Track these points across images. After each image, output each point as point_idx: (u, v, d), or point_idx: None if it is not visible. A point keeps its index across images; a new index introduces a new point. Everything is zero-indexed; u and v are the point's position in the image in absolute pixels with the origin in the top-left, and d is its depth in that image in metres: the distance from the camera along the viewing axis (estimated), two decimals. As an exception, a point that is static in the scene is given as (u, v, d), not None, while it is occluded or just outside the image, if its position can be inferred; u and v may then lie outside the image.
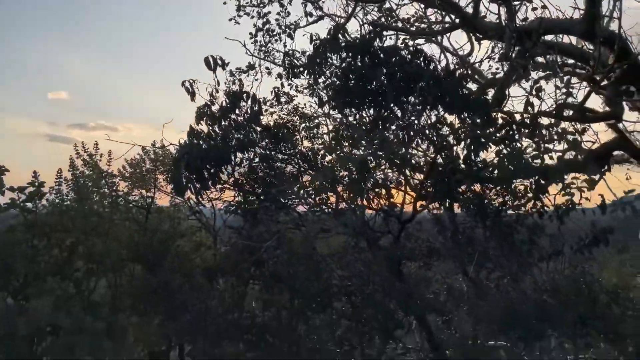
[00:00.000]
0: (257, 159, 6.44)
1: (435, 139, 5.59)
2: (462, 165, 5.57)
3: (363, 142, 5.58)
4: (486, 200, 6.17)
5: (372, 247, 5.82)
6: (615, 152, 8.32)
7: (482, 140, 5.09)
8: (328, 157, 5.35)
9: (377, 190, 6.24)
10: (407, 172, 6.11)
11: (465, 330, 6.01)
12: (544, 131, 4.48)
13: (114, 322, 4.98)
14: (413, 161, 5.98)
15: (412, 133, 5.77)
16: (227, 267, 4.69)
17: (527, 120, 4.85)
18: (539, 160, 5.30)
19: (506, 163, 5.50)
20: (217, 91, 5.91)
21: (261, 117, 6.39)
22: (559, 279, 4.76)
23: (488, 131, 4.62)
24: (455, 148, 5.31)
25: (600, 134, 8.09)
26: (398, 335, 5.38)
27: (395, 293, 5.16)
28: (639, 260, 9.04)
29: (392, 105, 5.64)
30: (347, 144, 5.16)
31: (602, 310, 4.51)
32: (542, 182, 5.90)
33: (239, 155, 6.26)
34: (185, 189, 5.14)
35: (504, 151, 5.25)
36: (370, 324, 5.10)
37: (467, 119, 5.35)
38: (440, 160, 5.70)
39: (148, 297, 5.02)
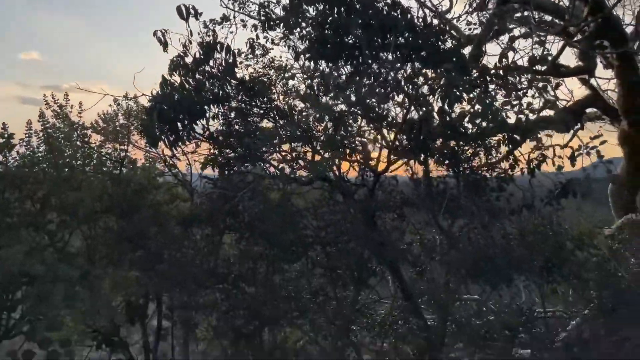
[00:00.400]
0: (233, 114, 6.41)
1: (410, 91, 5.59)
2: (437, 118, 5.62)
3: (339, 94, 5.56)
4: (460, 155, 6.27)
5: (347, 200, 5.89)
6: (589, 110, 8.50)
7: (457, 92, 5.12)
8: (301, 105, 5.33)
9: (352, 144, 6.28)
10: (383, 127, 6.14)
11: (438, 281, 6.18)
12: (516, 80, 4.51)
13: (89, 272, 5.00)
14: (389, 117, 6.01)
15: (388, 87, 5.77)
16: (203, 216, 4.71)
17: (501, 72, 4.89)
18: (512, 113, 5.38)
19: (480, 116, 5.57)
20: (190, 42, 5.80)
21: (236, 70, 6.32)
22: (527, 227, 4.89)
23: (463, 82, 4.63)
24: (430, 99, 5.33)
25: (574, 91, 8.19)
26: (372, 284, 5.51)
27: (369, 243, 5.26)
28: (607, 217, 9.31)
29: (368, 58, 5.61)
30: (322, 95, 5.13)
31: (567, 256, 4.67)
32: (516, 137, 6.00)
33: (214, 108, 6.22)
34: (159, 140, 5.09)
35: (477, 106, 5.31)
36: (344, 273, 5.21)
37: (443, 72, 5.35)
38: (415, 113, 5.74)
39: (122, 246, 5.03)
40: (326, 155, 5.66)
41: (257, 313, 5.01)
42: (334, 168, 6.17)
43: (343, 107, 5.89)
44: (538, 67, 6.58)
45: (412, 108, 5.70)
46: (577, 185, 5.11)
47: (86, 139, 6.12)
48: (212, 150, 6.22)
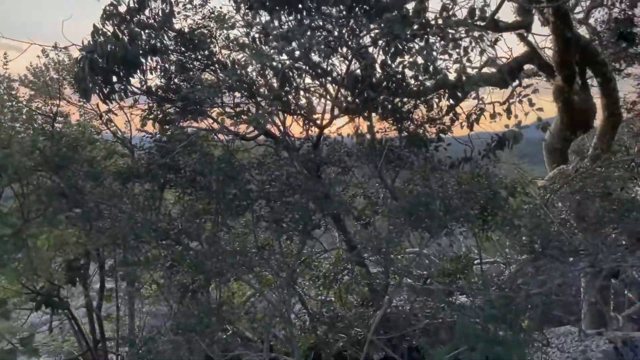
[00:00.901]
0: (172, 67, 6.20)
1: (353, 45, 5.56)
2: (379, 72, 5.64)
3: (281, 45, 5.46)
4: (403, 110, 6.37)
5: (292, 154, 5.89)
6: (527, 66, 8.77)
7: (399, 43, 5.14)
8: (241, 55, 5.21)
9: (297, 99, 6.25)
10: (328, 82, 6.12)
11: (381, 233, 6.35)
12: (455, 32, 4.56)
13: (21, 230, 4.81)
14: (334, 72, 5.99)
15: (332, 41, 5.72)
16: (141, 171, 4.59)
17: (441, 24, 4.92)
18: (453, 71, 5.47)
19: (422, 70, 5.64)
20: (124, -11, 5.52)
21: (174, 21, 6.08)
22: (464, 177, 5.07)
23: (404, 32, 4.64)
24: (372, 51, 5.33)
25: (513, 49, 8.38)
26: (316, 236, 5.60)
27: (314, 196, 5.30)
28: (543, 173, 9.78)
29: (311, 10, 5.52)
30: (263, 46, 5.02)
31: (501, 204, 4.89)
32: (457, 92, 6.13)
33: (152, 61, 6.00)
34: (91, 92, 4.87)
35: (420, 60, 5.35)
36: (289, 226, 5.25)
37: (385, 22, 5.34)
38: (358, 69, 5.74)
39: (57, 203, 4.85)
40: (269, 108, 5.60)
41: (202, 268, 4.99)
42: (278, 123, 6.14)
43: (288, 61, 5.83)
44: (479, 23, 6.69)
45: (355, 62, 5.70)
46: (511, 136, 5.31)
47: (13, 92, 5.76)
48: (151, 106, 6.03)
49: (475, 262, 5.97)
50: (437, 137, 5.51)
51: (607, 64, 7.20)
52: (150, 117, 5.62)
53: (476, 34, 4.33)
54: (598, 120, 8.03)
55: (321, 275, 5.45)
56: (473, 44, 4.50)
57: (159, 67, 6.05)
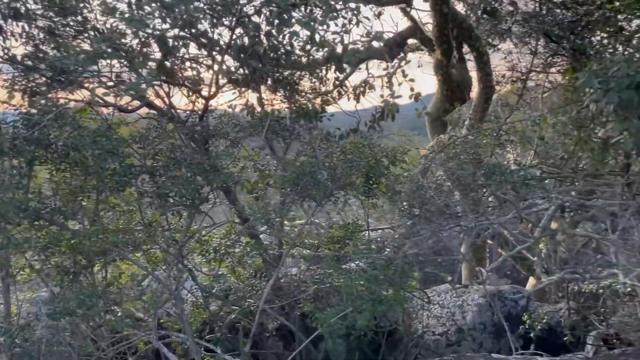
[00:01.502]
0: (40, 34, 5.70)
1: (237, 13, 5.45)
2: (265, 42, 5.60)
3: (162, 12, 5.21)
4: (292, 82, 6.41)
5: (178, 127, 5.71)
6: (410, 41, 9.16)
7: (282, 14, 5.12)
8: (120, 25, 4.91)
9: (183, 70, 6.04)
10: (215, 52, 5.97)
11: (273, 204, 6.41)
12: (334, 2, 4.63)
13: None
14: (221, 42, 5.85)
15: (217, 9, 5.57)
16: (6, 146, 4.21)
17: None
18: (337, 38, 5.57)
19: (309, 42, 5.69)
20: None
21: (40, -19, 5.57)
22: (348, 147, 5.23)
23: (284, 1, 4.62)
24: (257, 20, 5.27)
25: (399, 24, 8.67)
26: (205, 211, 5.52)
27: (201, 169, 5.20)
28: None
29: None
30: (139, 12, 4.76)
31: (382, 171, 5.12)
32: (343, 65, 6.27)
33: (17, 27, 5.48)
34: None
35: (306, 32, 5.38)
36: (176, 201, 5.11)
37: None
38: (244, 39, 5.66)
39: None
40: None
41: (81, 249, 4.73)
42: (163, 95, 5.91)
43: (173, 31, 5.60)
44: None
45: (242, 32, 5.61)
46: (391, 107, 5.57)
47: None
48: (16, 76, 5.52)
49: (362, 228, 6.24)
50: (321, 108, 5.62)
51: (480, 39, 7.73)
52: (15, 88, 5.15)
53: (352, 5, 4.42)
54: (474, 92, 8.65)
55: (211, 249, 5.40)
56: (351, 16, 4.59)
57: (24, 33, 5.54)
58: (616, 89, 3.68)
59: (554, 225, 5.77)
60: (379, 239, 6.04)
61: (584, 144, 4.68)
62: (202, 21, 5.60)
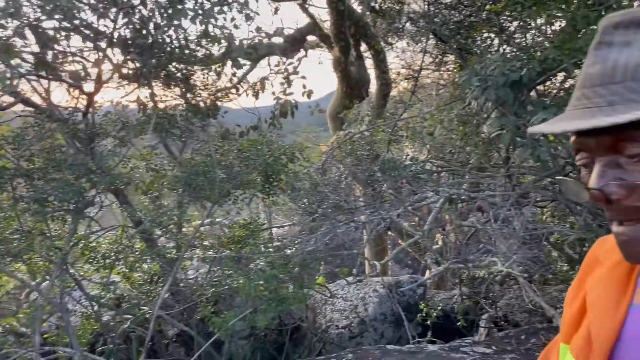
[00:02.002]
0: None
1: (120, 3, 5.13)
2: (153, 35, 5.34)
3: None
4: (188, 79, 6.17)
5: (60, 126, 5.28)
6: (310, 38, 9.20)
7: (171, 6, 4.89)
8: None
9: (65, 64, 5.59)
10: (100, 45, 5.59)
11: (169, 205, 6.15)
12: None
13: None
14: (107, 34, 5.48)
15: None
16: None
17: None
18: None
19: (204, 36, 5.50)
20: None
21: None
22: (244, 144, 5.13)
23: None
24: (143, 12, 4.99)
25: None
26: (92, 215, 5.16)
27: (85, 170, 4.84)
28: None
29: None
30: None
31: (281, 168, 5.07)
32: (240, 61, 6.14)
33: None
34: None
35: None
36: (57, 206, 4.72)
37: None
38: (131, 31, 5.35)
39: None
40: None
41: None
42: (41, 90, 5.45)
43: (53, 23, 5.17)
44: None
45: (127, 24, 5.30)
46: (284, 104, 5.54)
47: None
48: None
49: (264, 227, 6.16)
50: (213, 106, 5.46)
51: (376, 37, 7.92)
52: None
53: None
54: (373, 89, 8.87)
55: (99, 256, 5.05)
56: (241, 9, 4.48)
57: None
58: (493, 87, 3.90)
59: (446, 216, 6.06)
60: (279, 237, 5.99)
61: (468, 139, 4.94)
62: (86, 12, 5.24)
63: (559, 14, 4.01)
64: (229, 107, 6.32)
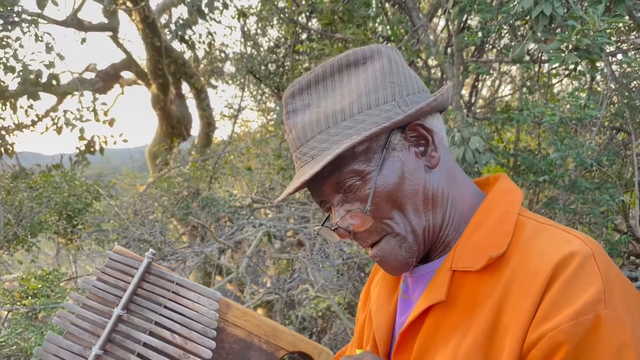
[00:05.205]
0: None
1: None
2: None
3: None
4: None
5: None
6: (127, 74, 8.76)
7: None
8: None
9: None
10: None
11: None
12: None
13: None
14: None
15: None
16: None
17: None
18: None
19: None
20: None
21: None
22: (37, 181, 4.55)
23: None
24: None
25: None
26: None
27: None
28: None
29: None
30: None
31: (84, 208, 4.59)
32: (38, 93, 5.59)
33: None
34: None
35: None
36: None
37: None
38: None
39: None
40: None
41: None
42: None
43: None
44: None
45: None
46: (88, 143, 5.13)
47: None
48: None
49: (66, 275, 5.46)
50: (3, 142, 4.82)
51: (196, 75, 7.83)
52: None
53: (29, 17, 3.90)
54: (197, 128, 8.69)
55: None
56: (31, 34, 4.04)
57: None
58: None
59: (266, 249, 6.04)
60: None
61: (284, 173, 5.03)
62: None
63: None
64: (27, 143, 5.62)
